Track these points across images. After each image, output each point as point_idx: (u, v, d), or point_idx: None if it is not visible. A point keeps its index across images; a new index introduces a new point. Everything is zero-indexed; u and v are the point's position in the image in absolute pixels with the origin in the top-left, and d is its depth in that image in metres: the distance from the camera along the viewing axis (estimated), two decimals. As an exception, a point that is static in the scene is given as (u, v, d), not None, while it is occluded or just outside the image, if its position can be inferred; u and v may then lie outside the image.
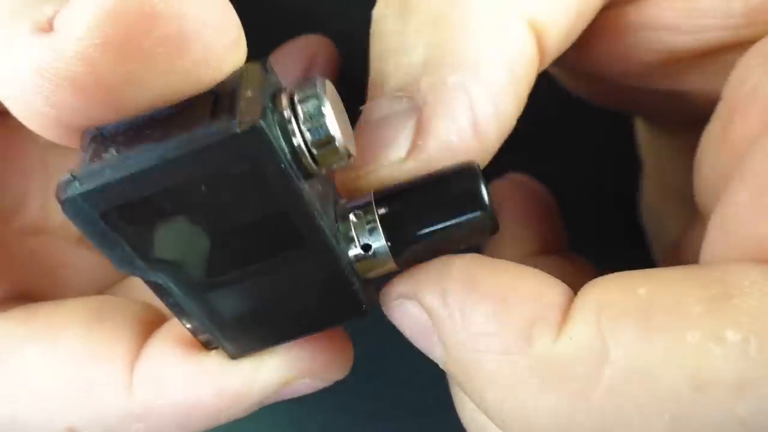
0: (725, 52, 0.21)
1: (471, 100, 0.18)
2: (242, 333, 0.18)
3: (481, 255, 0.18)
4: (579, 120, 0.29)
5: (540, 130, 0.21)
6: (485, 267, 0.17)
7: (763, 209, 0.16)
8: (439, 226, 0.17)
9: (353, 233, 0.17)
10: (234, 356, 0.18)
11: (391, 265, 0.18)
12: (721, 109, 0.20)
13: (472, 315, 0.16)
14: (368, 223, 0.17)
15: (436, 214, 0.17)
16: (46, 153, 0.24)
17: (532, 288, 0.16)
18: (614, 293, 0.16)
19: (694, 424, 0.14)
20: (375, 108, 0.19)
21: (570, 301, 0.16)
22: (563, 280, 0.17)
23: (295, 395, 0.20)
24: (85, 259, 0.24)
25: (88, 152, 0.15)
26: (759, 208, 0.16)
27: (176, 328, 0.19)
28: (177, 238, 0.15)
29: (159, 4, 0.13)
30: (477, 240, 0.18)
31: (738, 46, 0.20)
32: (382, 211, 0.17)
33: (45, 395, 0.19)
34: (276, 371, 0.19)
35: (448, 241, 0.17)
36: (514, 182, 0.27)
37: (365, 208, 0.17)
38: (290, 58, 0.30)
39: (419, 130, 0.18)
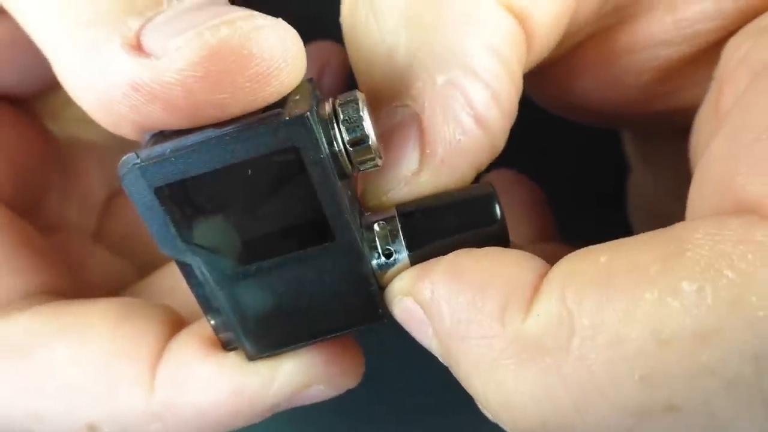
0: (715, 50, 0.21)
1: (465, 94, 0.18)
2: (263, 331, 0.19)
3: (468, 248, 0.18)
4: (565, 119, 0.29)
5: (528, 129, 0.22)
6: (469, 257, 0.17)
7: (734, 158, 0.16)
8: (456, 237, 0.18)
9: (377, 242, 0.18)
10: (252, 357, 0.19)
11: (408, 270, 0.18)
12: (712, 88, 0.20)
13: (455, 304, 0.17)
14: (391, 234, 0.18)
15: (454, 228, 0.18)
16: (65, 155, 0.25)
17: (508, 271, 0.17)
18: (578, 264, 0.16)
19: (664, 379, 0.15)
20: (377, 121, 0.19)
21: (541, 279, 0.16)
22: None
23: (308, 402, 0.20)
24: (101, 257, 0.25)
25: (150, 142, 0.17)
26: (729, 156, 0.16)
27: (198, 331, 0.20)
28: (217, 224, 0.17)
29: (254, 48, 0.15)
30: (485, 246, 0.18)
31: (725, 41, 0.21)
32: (403, 222, 0.18)
33: (69, 390, 0.20)
34: (292, 375, 0.19)
35: (458, 246, 0.18)
36: (505, 177, 0.27)
37: (389, 221, 0.18)
38: None
39: (424, 139, 0.18)
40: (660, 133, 0.27)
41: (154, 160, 0.16)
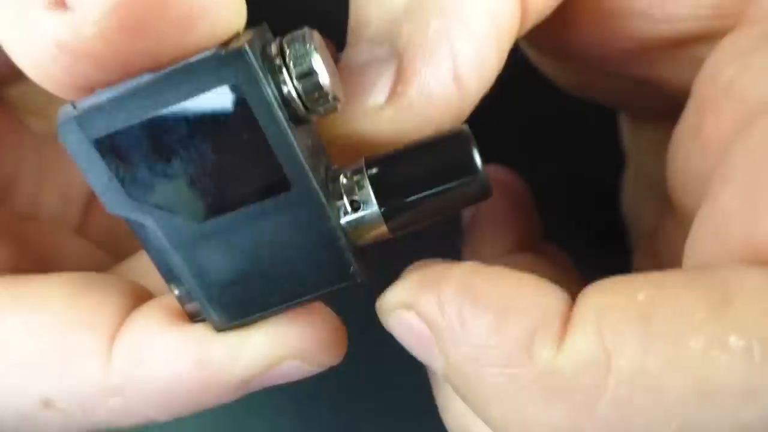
0: (695, 44, 0.21)
1: (453, 47, 0.18)
2: (229, 298, 0.17)
3: (477, 263, 0.17)
4: (564, 113, 0.29)
5: (525, 124, 0.22)
6: (484, 275, 0.17)
7: (754, 210, 0.16)
8: (432, 190, 0.17)
9: (343, 194, 0.17)
10: (219, 328, 0.18)
11: (383, 229, 0.17)
12: (691, 105, 0.20)
13: (472, 327, 0.16)
14: (358, 184, 0.17)
15: (428, 178, 0.17)
16: (40, 143, 0.24)
17: (532, 297, 0.16)
18: (613, 299, 0.16)
19: (701, 430, 0.14)
20: (355, 54, 0.18)
21: (569, 309, 0.16)
22: (547, 277, 0.17)
23: (284, 380, 0.19)
24: (78, 248, 0.24)
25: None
26: (749, 208, 0.16)
27: (163, 302, 0.19)
28: (167, 178, 0.16)
29: None
30: (469, 205, 0.18)
31: (707, 39, 0.21)
32: (373, 172, 0.17)
33: (21, 363, 0.19)
34: (263, 347, 0.18)
35: (440, 206, 0.17)
36: (493, 174, 0.26)
37: (356, 172, 0.17)
38: None
39: (399, 77, 0.18)
40: (648, 118, 0.27)
41: (90, 110, 0.15)
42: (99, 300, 0.19)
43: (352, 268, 0.17)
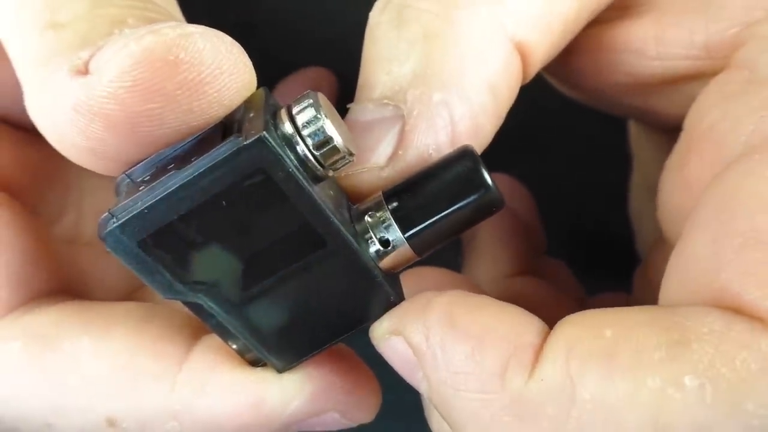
0: (687, 82, 0.22)
1: (452, 117, 0.19)
2: (283, 343, 0.19)
3: (462, 291, 0.18)
4: (572, 118, 0.29)
5: (532, 128, 0.22)
6: (465, 305, 0.18)
7: (718, 257, 0.17)
8: (448, 210, 0.18)
9: (370, 232, 0.18)
10: (281, 370, 0.20)
11: (411, 254, 0.19)
12: (681, 143, 0.21)
13: (451, 354, 0.17)
14: (382, 220, 0.18)
15: (444, 200, 0.18)
16: (81, 175, 0.26)
17: (508, 327, 0.17)
18: (582, 333, 0.16)
19: None
20: (363, 111, 0.20)
21: (544, 339, 0.17)
22: (537, 303, 0.18)
23: (319, 428, 0.21)
24: (111, 267, 0.26)
25: (122, 195, 0.17)
26: (713, 258, 0.17)
27: None
28: (209, 258, 0.17)
29: (181, 54, 0.15)
30: (486, 217, 0.19)
31: (699, 78, 0.21)
32: (393, 206, 0.18)
33: (92, 383, 0.20)
34: (312, 397, 0.20)
35: (460, 223, 0.18)
36: (500, 183, 0.27)
37: (378, 208, 0.18)
38: (295, 89, 0.31)
39: (401, 140, 0.19)
40: (664, 126, 0.27)
41: (129, 216, 0.16)
42: (165, 329, 0.20)
43: (391, 297, 0.19)
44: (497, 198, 0.18)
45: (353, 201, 0.19)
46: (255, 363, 0.20)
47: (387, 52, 0.20)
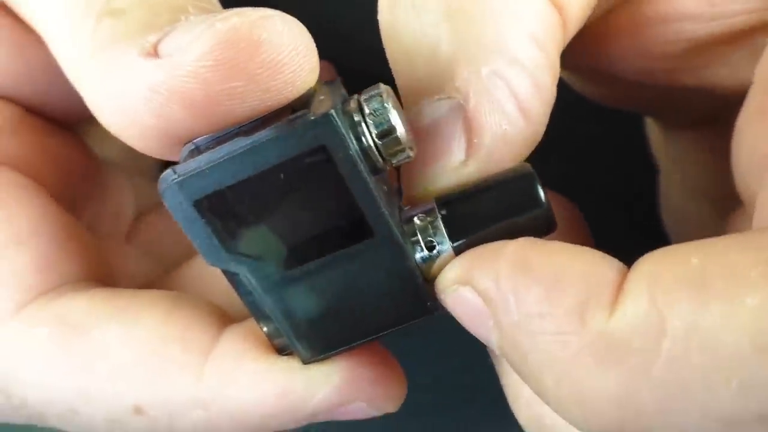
0: (750, 36, 0.21)
1: (510, 84, 0.18)
2: (315, 334, 0.19)
3: (533, 238, 0.17)
4: (571, 120, 0.28)
5: (552, 133, 0.21)
6: (537, 249, 0.17)
7: None
8: (499, 224, 0.18)
9: (418, 235, 0.18)
10: (306, 361, 0.19)
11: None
12: (756, 89, 0.19)
13: (525, 297, 0.16)
14: (432, 225, 0.18)
15: (496, 214, 0.18)
16: (101, 165, 0.26)
17: (585, 267, 0.16)
18: (666, 265, 0.15)
19: (761, 388, 0.14)
20: (419, 115, 0.19)
21: (623, 278, 0.16)
22: None
23: (347, 418, 0.20)
24: (131, 258, 0.26)
25: (186, 158, 0.17)
26: None
27: (254, 328, 0.20)
28: (258, 231, 0.17)
29: (263, 34, 0.16)
30: (535, 236, 0.18)
31: (763, 29, 0.20)
32: (445, 213, 0.18)
33: (120, 370, 0.20)
34: (339, 387, 0.20)
35: (507, 237, 0.18)
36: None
37: (428, 213, 0.18)
38: None
39: (470, 129, 0.18)
40: (685, 125, 0.26)
41: (190, 174, 0.16)
42: (192, 318, 0.20)
43: (429, 303, 0.18)
44: (550, 218, 0.18)
45: (420, 203, 0.19)
46: (282, 350, 0.20)
47: (416, 44, 0.19)
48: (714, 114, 0.22)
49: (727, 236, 0.16)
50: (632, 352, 0.15)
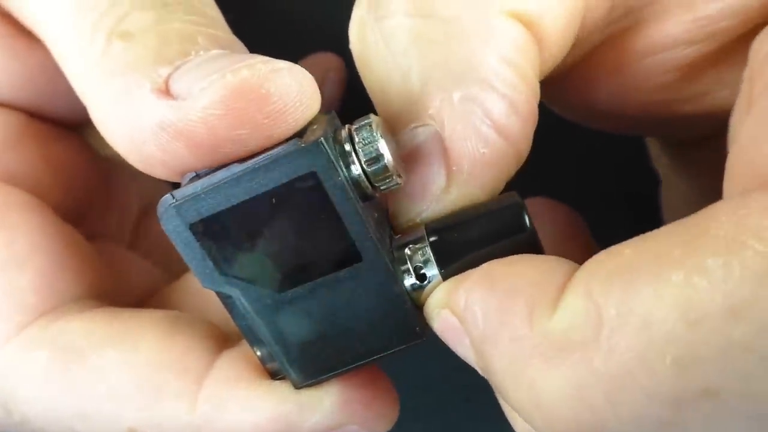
0: (743, 49, 0.20)
1: (483, 107, 0.18)
2: (306, 358, 0.19)
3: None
4: (570, 122, 0.28)
5: (553, 137, 0.21)
6: (501, 263, 0.17)
7: (762, 134, 0.16)
8: (486, 249, 0.18)
9: (408, 264, 0.19)
10: (298, 385, 0.20)
11: None
12: (743, 89, 0.19)
13: (487, 308, 0.17)
14: (421, 252, 0.19)
15: (483, 240, 0.18)
16: (106, 166, 0.27)
17: (538, 273, 0.17)
18: (603, 260, 0.16)
19: (697, 361, 0.14)
20: (399, 143, 0.19)
21: (569, 279, 0.16)
22: None
23: None
24: (135, 263, 0.26)
25: (187, 184, 0.18)
26: (758, 134, 0.16)
27: (247, 353, 0.21)
28: (251, 254, 0.18)
29: (272, 88, 0.17)
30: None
31: (751, 34, 0.20)
32: (433, 240, 0.19)
33: (116, 394, 0.20)
34: (331, 411, 0.20)
35: (492, 258, 0.18)
36: (543, 206, 0.26)
37: (418, 240, 0.19)
38: None
39: (448, 156, 0.18)
40: (687, 140, 0.26)
41: (187, 198, 0.17)
42: (188, 342, 0.21)
43: (418, 328, 0.19)
44: (535, 242, 0.18)
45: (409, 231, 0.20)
46: (275, 375, 0.20)
47: (388, 75, 0.19)
48: (720, 129, 0.22)
49: (660, 228, 0.16)
50: (574, 347, 0.15)
